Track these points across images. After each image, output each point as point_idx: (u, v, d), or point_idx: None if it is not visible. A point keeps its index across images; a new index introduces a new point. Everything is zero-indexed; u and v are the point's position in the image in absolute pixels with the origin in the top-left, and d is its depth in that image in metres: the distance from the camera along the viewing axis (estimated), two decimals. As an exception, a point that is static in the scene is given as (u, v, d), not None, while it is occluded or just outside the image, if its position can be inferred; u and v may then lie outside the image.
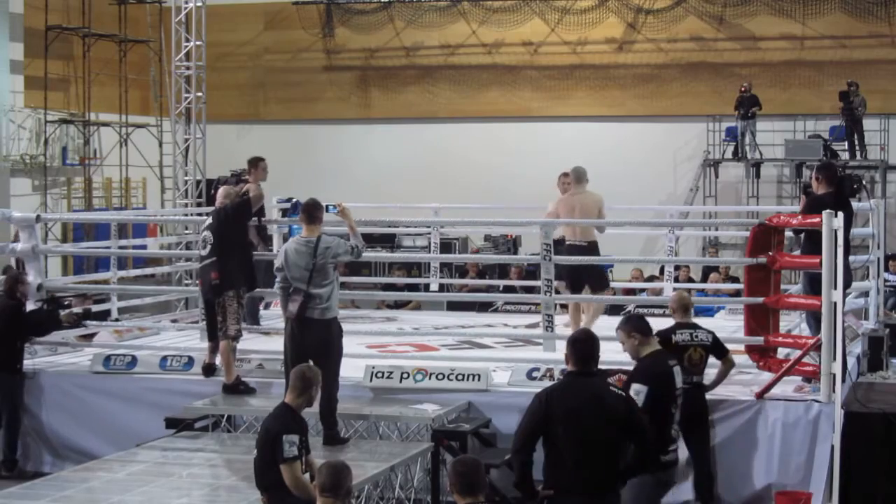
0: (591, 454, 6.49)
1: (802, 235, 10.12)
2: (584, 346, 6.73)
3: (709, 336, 9.21)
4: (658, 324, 9.67)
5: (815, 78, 24.11)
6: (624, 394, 6.82)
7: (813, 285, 9.82)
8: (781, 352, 10.21)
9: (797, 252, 10.71)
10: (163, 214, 22.69)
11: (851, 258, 10.77)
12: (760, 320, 10.18)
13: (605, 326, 9.80)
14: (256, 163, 12.87)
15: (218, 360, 10.43)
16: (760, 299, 10.10)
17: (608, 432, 6.54)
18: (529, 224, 12.90)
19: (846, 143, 23.03)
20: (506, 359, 11.12)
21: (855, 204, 10.93)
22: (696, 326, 9.28)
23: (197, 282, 11.39)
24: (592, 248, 12.18)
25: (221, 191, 10.77)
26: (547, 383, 9.11)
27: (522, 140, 25.10)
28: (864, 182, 21.17)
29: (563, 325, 11.99)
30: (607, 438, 6.55)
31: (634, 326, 7.70)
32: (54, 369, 11.36)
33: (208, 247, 10.30)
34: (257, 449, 7.28)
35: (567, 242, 12.24)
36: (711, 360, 9.34)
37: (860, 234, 12.66)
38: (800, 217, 10.08)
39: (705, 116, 24.22)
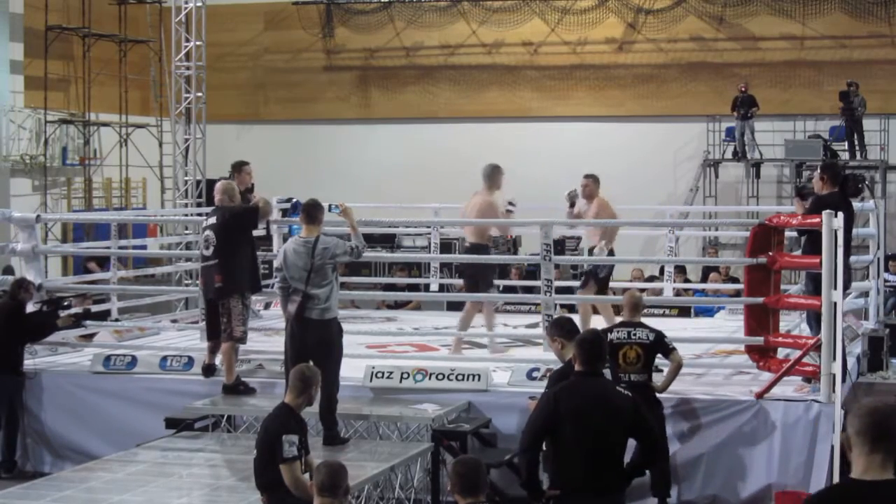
0: (598, 453, 6.51)
1: (805, 237, 10.11)
2: (591, 346, 6.74)
3: (650, 335, 9.17)
4: (658, 325, 9.72)
5: (815, 78, 24.10)
6: (630, 394, 6.82)
7: (815, 285, 9.81)
8: (781, 352, 10.21)
9: (797, 252, 10.71)
10: (163, 214, 22.69)
11: (852, 258, 10.78)
12: (760, 320, 10.18)
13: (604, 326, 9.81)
14: (240, 167, 12.69)
15: (218, 361, 10.41)
16: (760, 299, 10.10)
17: (614, 432, 6.56)
18: (529, 224, 12.91)
19: (846, 143, 23.03)
20: (506, 359, 11.12)
21: (857, 204, 10.94)
22: (637, 325, 9.25)
23: (198, 282, 11.33)
24: (474, 249, 12.15)
25: (219, 186, 10.55)
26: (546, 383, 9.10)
27: (522, 140, 25.07)
28: (867, 182, 21.23)
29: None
30: (614, 438, 6.56)
31: (557, 330, 7.73)
32: (54, 369, 11.35)
33: (211, 248, 10.20)
34: (257, 449, 7.28)
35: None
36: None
37: (861, 235, 12.66)
38: (800, 217, 10.09)
39: (705, 116, 24.21)
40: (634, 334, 9.15)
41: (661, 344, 9.21)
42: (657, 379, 9.29)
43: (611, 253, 12.26)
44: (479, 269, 11.99)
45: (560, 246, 19.90)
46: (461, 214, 12.42)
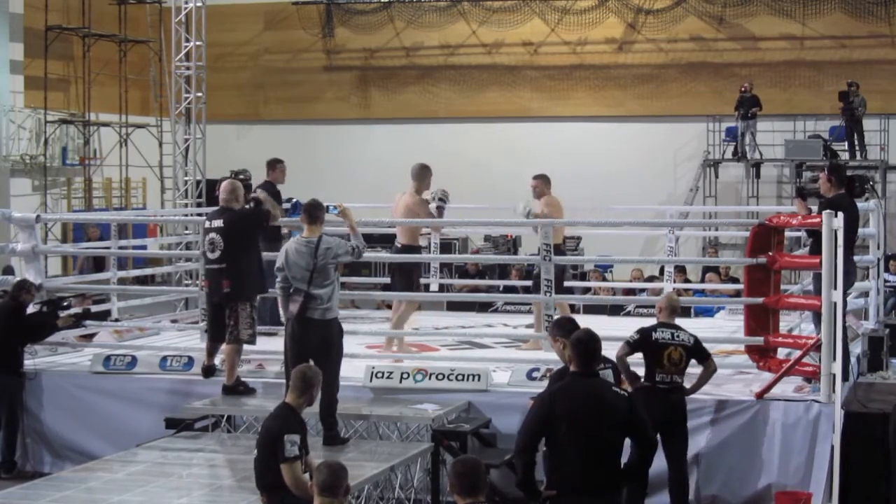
0: (593, 454, 6.50)
1: (812, 238, 10.10)
2: (586, 346, 6.73)
3: (691, 338, 9.10)
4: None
5: (815, 78, 24.12)
6: (626, 394, 6.82)
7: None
8: (781, 352, 10.21)
9: (798, 252, 10.70)
10: (163, 214, 22.70)
11: (855, 258, 10.78)
12: (760, 320, 10.18)
13: (606, 326, 9.81)
14: (275, 164, 12.85)
15: (217, 361, 10.39)
16: (760, 299, 10.10)
17: (610, 432, 6.55)
18: (529, 224, 12.91)
19: (846, 143, 23.05)
20: (506, 359, 11.12)
21: (859, 204, 10.95)
22: (676, 328, 9.19)
23: (199, 284, 11.23)
24: (405, 250, 12.11)
25: (225, 185, 10.30)
26: (546, 383, 9.09)
27: (522, 140, 25.09)
28: (871, 183, 21.26)
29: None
30: (609, 438, 6.56)
31: (558, 330, 7.76)
32: (54, 369, 11.34)
33: (218, 251, 10.03)
34: (257, 449, 7.29)
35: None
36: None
37: (861, 235, 12.65)
38: (800, 217, 10.10)
39: (705, 116, 24.23)
40: (678, 336, 9.06)
41: (699, 348, 9.16)
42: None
43: (558, 251, 12.27)
44: (410, 270, 11.97)
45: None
46: (392, 215, 12.30)
